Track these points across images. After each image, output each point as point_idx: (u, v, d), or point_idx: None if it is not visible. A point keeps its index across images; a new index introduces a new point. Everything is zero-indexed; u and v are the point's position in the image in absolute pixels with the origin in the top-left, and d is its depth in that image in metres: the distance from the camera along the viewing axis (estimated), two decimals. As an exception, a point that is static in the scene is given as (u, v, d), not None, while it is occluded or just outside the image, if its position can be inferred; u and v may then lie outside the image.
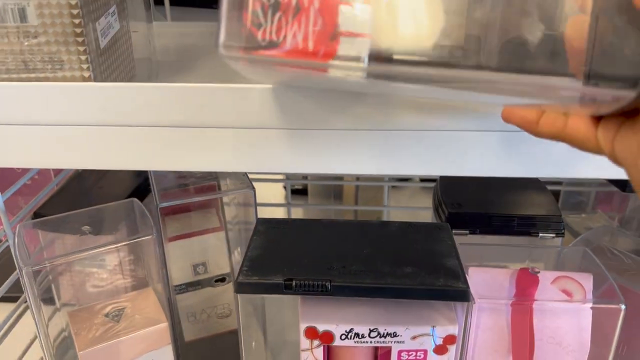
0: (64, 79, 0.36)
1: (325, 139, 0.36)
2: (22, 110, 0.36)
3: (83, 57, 0.36)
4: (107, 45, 0.39)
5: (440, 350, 0.44)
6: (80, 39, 0.35)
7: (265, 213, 0.67)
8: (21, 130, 0.36)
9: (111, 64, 0.40)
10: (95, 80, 0.37)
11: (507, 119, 0.31)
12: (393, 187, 0.92)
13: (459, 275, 0.43)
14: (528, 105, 0.30)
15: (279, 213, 0.86)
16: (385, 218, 0.84)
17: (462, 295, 0.42)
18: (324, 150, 0.37)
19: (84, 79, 0.37)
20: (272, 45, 0.29)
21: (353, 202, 0.87)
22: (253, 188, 0.59)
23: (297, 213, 0.89)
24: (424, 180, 0.89)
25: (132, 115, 0.36)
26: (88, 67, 0.36)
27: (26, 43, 0.35)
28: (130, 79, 0.45)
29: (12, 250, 0.55)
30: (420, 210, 0.82)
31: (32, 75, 0.36)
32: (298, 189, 0.96)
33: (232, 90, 0.35)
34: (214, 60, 0.48)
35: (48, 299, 0.60)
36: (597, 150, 0.28)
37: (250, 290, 0.43)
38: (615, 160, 0.27)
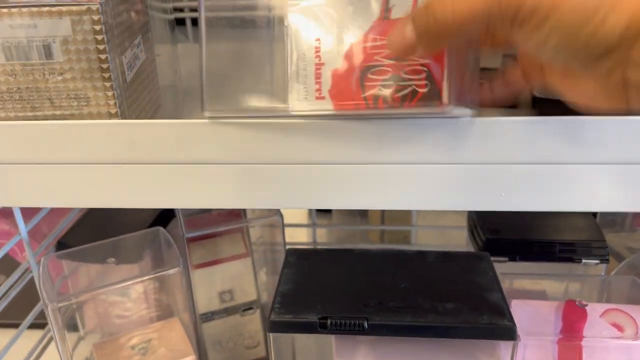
0: (90, 116, 0.35)
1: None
2: (47, 148, 0.34)
3: (109, 93, 0.34)
4: (133, 78, 0.37)
5: (484, 390, 0.42)
6: (106, 75, 0.34)
7: (289, 233, 0.65)
8: (48, 169, 0.35)
9: (137, 96, 0.39)
10: (121, 116, 0.36)
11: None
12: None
13: (504, 311, 0.41)
14: None
15: (303, 232, 0.85)
16: (413, 237, 0.81)
17: (508, 333, 0.40)
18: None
19: (111, 116, 0.35)
20: None
21: (379, 220, 0.85)
22: (281, 215, 0.58)
23: (322, 233, 0.87)
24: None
25: (159, 152, 0.34)
26: (115, 103, 0.35)
27: (51, 80, 0.34)
28: (156, 109, 0.43)
29: (37, 283, 0.54)
30: (450, 229, 0.80)
31: (58, 112, 0.35)
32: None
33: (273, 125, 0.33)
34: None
35: (72, 326, 0.59)
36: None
37: (284, 329, 0.41)
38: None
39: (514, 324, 0.40)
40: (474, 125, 0.31)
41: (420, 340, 0.42)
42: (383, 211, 0.84)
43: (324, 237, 0.89)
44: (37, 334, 0.62)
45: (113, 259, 0.54)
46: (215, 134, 0.33)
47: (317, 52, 0.31)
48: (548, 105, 0.34)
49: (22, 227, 0.53)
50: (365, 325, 0.40)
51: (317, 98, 0.31)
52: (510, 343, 0.41)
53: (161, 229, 0.56)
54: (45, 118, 0.35)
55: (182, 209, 0.58)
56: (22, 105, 0.35)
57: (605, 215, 0.74)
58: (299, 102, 0.31)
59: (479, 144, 0.32)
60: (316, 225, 0.79)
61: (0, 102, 0.35)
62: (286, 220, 0.61)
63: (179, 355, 0.54)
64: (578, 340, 0.43)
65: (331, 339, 0.44)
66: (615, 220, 0.74)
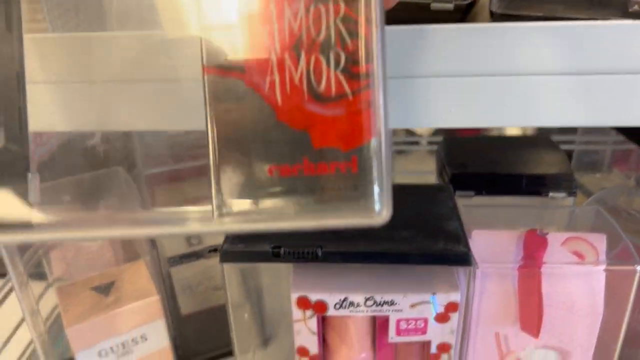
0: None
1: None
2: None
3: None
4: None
5: (441, 318, 0.42)
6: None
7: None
8: None
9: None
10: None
11: None
12: (400, 152, 0.88)
13: (460, 238, 0.40)
14: None
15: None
16: (390, 184, 0.80)
17: (463, 258, 0.39)
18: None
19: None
20: None
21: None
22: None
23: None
24: (432, 143, 0.86)
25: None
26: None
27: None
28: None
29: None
30: (427, 174, 0.78)
31: None
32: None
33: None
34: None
35: (39, 274, 0.58)
36: None
37: (237, 259, 0.40)
38: None
39: (469, 250, 0.39)
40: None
41: (377, 269, 0.42)
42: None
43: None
44: None
45: (69, 197, 0.53)
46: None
47: None
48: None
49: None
50: (319, 252, 0.39)
51: None
52: (466, 270, 0.40)
53: (120, 168, 0.55)
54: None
55: (143, 147, 0.56)
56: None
57: (581, 156, 0.73)
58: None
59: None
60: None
61: None
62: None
63: (143, 295, 0.53)
64: (537, 268, 0.42)
65: (289, 272, 0.43)
66: (592, 161, 0.73)
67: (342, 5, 0.22)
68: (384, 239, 0.40)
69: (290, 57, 0.22)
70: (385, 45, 0.22)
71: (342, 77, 0.22)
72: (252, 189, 0.23)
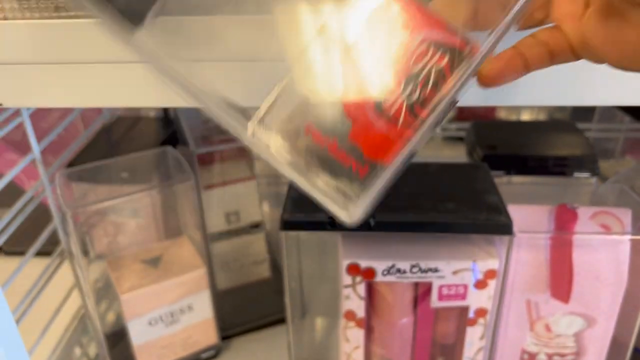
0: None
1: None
2: (65, 47, 0.36)
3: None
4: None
5: (480, 285, 0.45)
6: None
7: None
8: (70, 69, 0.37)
9: None
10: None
11: (497, 83, 0.27)
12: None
13: (501, 210, 0.44)
14: (503, 55, 0.27)
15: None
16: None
17: (504, 228, 0.42)
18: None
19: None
20: None
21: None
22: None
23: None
24: (446, 130, 0.89)
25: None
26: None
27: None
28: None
29: (51, 200, 0.56)
30: (451, 160, 0.82)
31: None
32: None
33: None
34: None
35: (82, 251, 0.61)
36: (576, 58, 0.27)
37: (296, 227, 0.44)
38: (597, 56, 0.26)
39: (510, 220, 0.42)
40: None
41: (422, 238, 0.45)
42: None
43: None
44: (43, 262, 0.63)
45: (126, 174, 0.56)
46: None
47: None
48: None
49: (35, 146, 0.54)
50: (372, 222, 0.43)
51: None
52: (506, 238, 0.44)
53: (170, 147, 0.58)
54: (69, 18, 0.37)
55: (189, 130, 0.59)
56: (45, 4, 0.36)
57: (596, 144, 0.77)
58: None
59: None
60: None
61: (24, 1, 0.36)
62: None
63: (190, 268, 0.57)
64: (569, 237, 0.46)
65: (337, 243, 0.46)
66: (607, 148, 0.77)
67: (446, 60, 0.25)
68: (431, 210, 0.43)
69: None
70: (447, 112, 0.26)
71: (405, 108, 0.25)
72: (288, 130, 0.26)
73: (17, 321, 0.51)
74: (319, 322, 0.62)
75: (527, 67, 0.27)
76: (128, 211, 0.59)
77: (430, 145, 0.95)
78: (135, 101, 0.38)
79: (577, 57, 0.27)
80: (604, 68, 0.27)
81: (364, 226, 0.43)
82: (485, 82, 0.26)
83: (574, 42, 0.26)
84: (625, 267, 0.47)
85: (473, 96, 0.36)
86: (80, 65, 0.37)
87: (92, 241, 0.62)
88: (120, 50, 0.36)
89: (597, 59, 0.26)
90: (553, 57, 0.27)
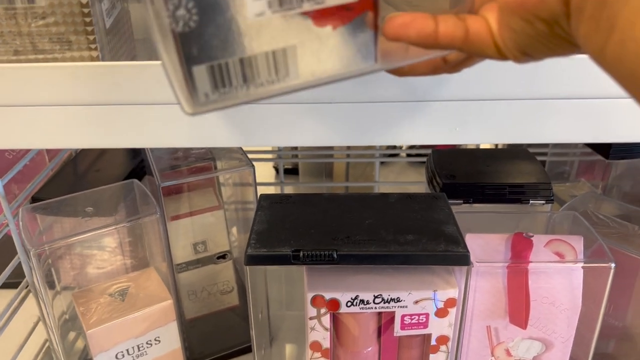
0: (72, 59, 0.37)
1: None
2: (31, 91, 0.36)
3: (91, 37, 0.36)
4: (111, 25, 0.39)
5: (441, 313, 0.47)
6: (87, 19, 0.36)
7: (258, 191, 0.68)
8: (30, 111, 0.37)
9: (116, 44, 0.41)
10: (102, 60, 0.38)
11: (398, 35, 0.26)
12: (381, 163, 0.94)
13: (459, 240, 0.45)
14: (417, 14, 0.26)
15: (271, 191, 0.88)
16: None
17: (463, 259, 0.44)
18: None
19: (92, 59, 0.37)
20: None
21: (344, 179, 0.89)
22: (252, 166, 0.61)
23: (289, 191, 0.90)
24: (410, 155, 0.91)
25: (138, 93, 0.36)
26: (96, 47, 0.37)
27: (34, 24, 0.36)
28: (133, 59, 0.45)
29: (15, 235, 0.56)
30: (410, 184, 0.84)
31: (41, 56, 0.37)
32: (288, 169, 0.97)
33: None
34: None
35: (48, 283, 0.60)
36: (497, 54, 0.26)
37: (260, 261, 0.44)
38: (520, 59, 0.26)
39: (468, 251, 0.44)
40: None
41: (383, 269, 0.46)
42: (347, 169, 0.87)
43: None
44: (9, 294, 0.62)
45: (91, 208, 0.56)
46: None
47: None
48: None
49: (-2, 181, 0.53)
50: (335, 255, 0.44)
51: None
52: (463, 269, 0.45)
53: (136, 181, 0.58)
54: (29, 62, 0.37)
55: (155, 162, 0.60)
56: (5, 49, 0.36)
57: (552, 168, 0.80)
58: None
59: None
60: (284, 182, 0.82)
61: (-16, 45, 0.36)
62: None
63: (157, 299, 0.57)
64: (525, 266, 0.47)
65: (301, 275, 0.47)
66: (561, 172, 0.80)
67: None
68: (392, 243, 0.45)
69: None
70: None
71: None
72: None
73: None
74: (287, 350, 0.62)
75: (437, 38, 0.26)
76: (94, 244, 0.59)
77: (394, 169, 0.97)
78: (96, 142, 0.39)
79: (497, 49, 0.26)
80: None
81: (328, 259, 0.44)
82: (390, 32, 0.26)
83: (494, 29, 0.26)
84: (579, 292, 0.49)
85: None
86: (41, 108, 0.38)
87: (58, 273, 0.62)
88: (81, 92, 0.36)
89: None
90: (467, 36, 0.26)
